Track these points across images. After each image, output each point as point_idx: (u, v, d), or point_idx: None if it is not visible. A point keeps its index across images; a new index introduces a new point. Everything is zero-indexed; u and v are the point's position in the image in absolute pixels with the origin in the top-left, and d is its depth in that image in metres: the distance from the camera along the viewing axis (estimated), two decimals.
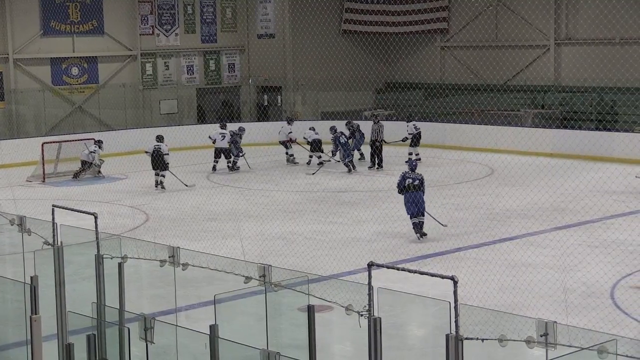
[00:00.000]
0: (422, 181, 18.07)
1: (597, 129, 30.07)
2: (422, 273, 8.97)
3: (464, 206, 21.23)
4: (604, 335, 8.42)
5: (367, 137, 28.02)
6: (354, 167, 26.89)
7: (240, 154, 27.65)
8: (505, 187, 22.84)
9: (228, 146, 27.37)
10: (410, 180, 17.98)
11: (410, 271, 8.88)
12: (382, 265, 9.64)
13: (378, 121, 28.40)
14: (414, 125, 28.69)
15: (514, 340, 8.12)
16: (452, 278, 8.23)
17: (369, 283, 8.91)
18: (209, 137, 27.85)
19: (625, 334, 11.66)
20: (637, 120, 30.40)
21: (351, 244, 17.67)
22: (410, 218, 18.05)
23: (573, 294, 13.96)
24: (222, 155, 27.52)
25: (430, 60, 37.66)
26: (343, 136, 27.29)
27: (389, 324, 11.86)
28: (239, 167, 27.69)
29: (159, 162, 24.71)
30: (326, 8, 35.30)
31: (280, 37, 37.10)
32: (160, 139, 25.34)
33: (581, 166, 25.89)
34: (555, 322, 8.06)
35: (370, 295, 9.00)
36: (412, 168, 18.45)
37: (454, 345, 8.07)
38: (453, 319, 8.16)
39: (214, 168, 27.58)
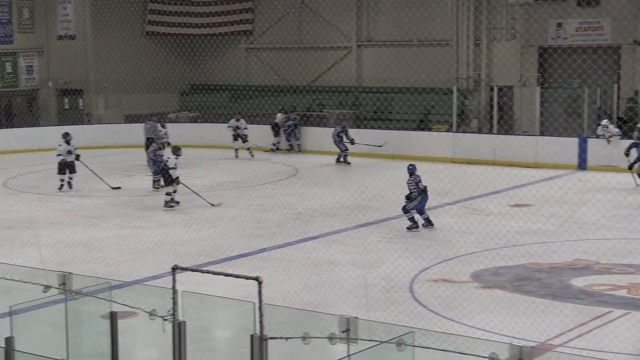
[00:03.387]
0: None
1: (396, 128, 30.98)
2: (226, 275, 9.04)
3: (269, 207, 21.39)
4: (403, 328, 8.73)
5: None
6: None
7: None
8: (309, 187, 23.20)
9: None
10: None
11: (214, 273, 8.93)
12: (186, 269, 9.63)
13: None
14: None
15: (317, 338, 8.29)
16: (256, 279, 8.33)
17: (173, 287, 8.89)
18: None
19: (422, 325, 12.08)
20: (432, 119, 31.52)
21: (156, 248, 17.50)
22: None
23: (374, 290, 14.33)
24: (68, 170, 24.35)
25: (235, 62, 37.75)
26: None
27: (195, 327, 11.83)
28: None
29: (165, 177, 21.56)
30: (129, 9, 34.77)
31: (82, 38, 36.26)
32: (175, 151, 21.80)
33: (380, 165, 26.71)
34: (357, 317, 8.30)
35: (174, 299, 8.98)
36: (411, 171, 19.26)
37: (259, 345, 8.17)
38: (257, 319, 8.25)
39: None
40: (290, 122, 30.74)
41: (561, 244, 17.05)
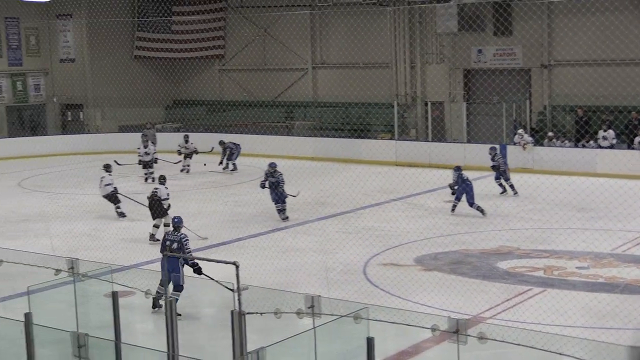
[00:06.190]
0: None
1: (348, 136, 30.96)
2: (208, 260, 8.96)
3: (243, 202, 21.26)
4: (359, 304, 8.70)
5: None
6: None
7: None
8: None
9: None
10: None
11: (198, 259, 8.85)
12: (174, 255, 9.54)
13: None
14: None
15: (287, 313, 8.24)
16: (234, 263, 8.27)
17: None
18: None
19: (375, 302, 12.09)
20: (378, 129, 31.53)
21: (148, 237, 17.28)
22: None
23: (333, 272, 14.28)
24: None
25: (210, 80, 37.53)
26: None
27: (184, 304, 11.68)
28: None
29: (157, 209, 17.14)
30: (120, 37, 34.48)
31: (80, 61, 35.83)
32: (161, 180, 17.70)
33: (335, 167, 26.66)
34: (320, 296, 8.25)
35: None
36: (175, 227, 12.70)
37: (238, 319, 8.09)
38: (236, 298, 8.18)
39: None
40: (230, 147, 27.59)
41: (488, 233, 17.13)
